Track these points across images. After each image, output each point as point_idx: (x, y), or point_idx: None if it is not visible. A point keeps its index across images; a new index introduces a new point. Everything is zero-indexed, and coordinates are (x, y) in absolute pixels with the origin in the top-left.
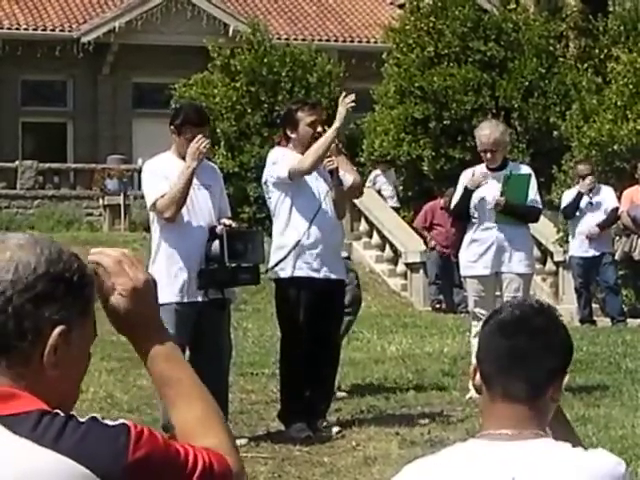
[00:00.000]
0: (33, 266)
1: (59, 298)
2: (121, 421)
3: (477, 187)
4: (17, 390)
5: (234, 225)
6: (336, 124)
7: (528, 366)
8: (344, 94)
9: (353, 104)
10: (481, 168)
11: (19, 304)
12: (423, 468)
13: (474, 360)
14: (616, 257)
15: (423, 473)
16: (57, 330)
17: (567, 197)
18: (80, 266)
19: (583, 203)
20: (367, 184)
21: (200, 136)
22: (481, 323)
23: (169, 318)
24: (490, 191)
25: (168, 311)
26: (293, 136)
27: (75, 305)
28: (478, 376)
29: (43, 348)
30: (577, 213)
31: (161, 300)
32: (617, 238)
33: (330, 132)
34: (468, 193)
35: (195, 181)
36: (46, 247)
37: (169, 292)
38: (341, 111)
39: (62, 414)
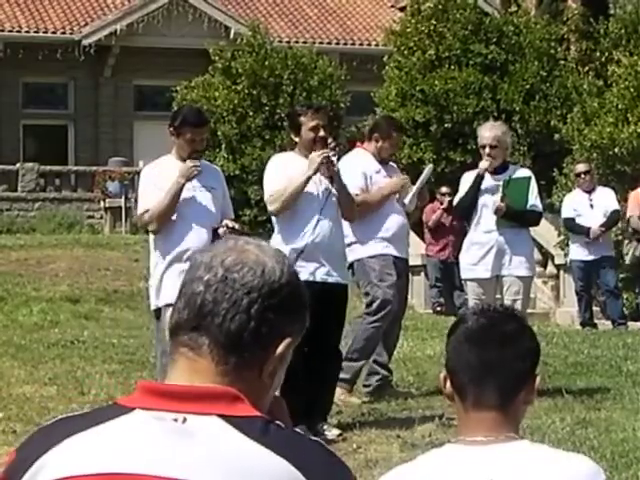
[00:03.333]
0: (278, 273)
1: (293, 310)
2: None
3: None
4: (241, 394)
5: (237, 227)
6: (308, 172)
7: (498, 375)
8: (316, 152)
9: (323, 160)
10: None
11: (262, 308)
12: (405, 474)
13: (443, 370)
14: (627, 261)
15: (405, 478)
16: (286, 342)
17: (568, 201)
18: (302, 283)
19: (582, 205)
20: None
21: (194, 161)
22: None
23: None
24: (491, 196)
25: None
26: (297, 140)
27: (300, 320)
28: (449, 384)
29: (268, 356)
30: (575, 218)
31: (166, 301)
32: (627, 242)
33: (303, 178)
34: (478, 180)
35: (198, 183)
36: (284, 256)
37: (173, 293)
38: (314, 160)
39: (279, 423)
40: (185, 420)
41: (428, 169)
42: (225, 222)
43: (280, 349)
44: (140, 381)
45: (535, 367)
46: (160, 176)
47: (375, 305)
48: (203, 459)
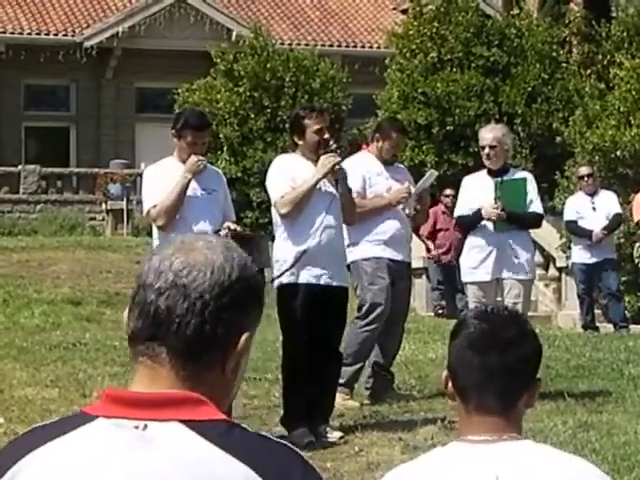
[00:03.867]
0: (228, 271)
1: (248, 304)
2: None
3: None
4: (203, 397)
5: (239, 229)
6: (318, 175)
7: (500, 380)
8: (326, 156)
9: (333, 165)
10: (482, 174)
11: (216, 309)
12: (405, 474)
13: (446, 369)
14: (638, 264)
15: (405, 478)
16: (245, 336)
17: (570, 204)
18: (257, 272)
19: (585, 208)
20: None
21: (198, 155)
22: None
23: None
24: (491, 199)
25: None
26: (300, 143)
27: (256, 311)
28: (450, 384)
29: (228, 354)
30: (578, 220)
31: None
32: (638, 245)
33: (312, 180)
34: (479, 218)
35: (198, 186)
36: (234, 251)
37: None
38: (325, 164)
39: (249, 428)
40: (146, 427)
41: (430, 175)
42: (227, 224)
43: (240, 345)
44: (106, 389)
45: (537, 370)
46: (163, 176)
47: (364, 308)
48: (164, 465)
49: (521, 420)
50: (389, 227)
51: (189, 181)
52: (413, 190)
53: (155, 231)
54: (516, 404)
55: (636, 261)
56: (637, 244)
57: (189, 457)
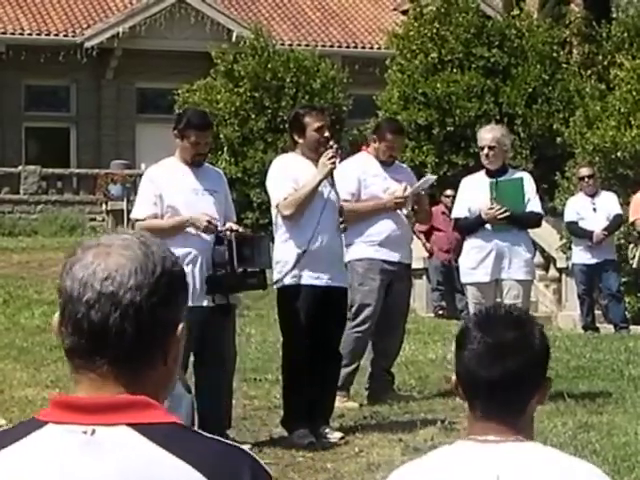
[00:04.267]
0: (151, 267)
1: (178, 295)
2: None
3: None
4: (152, 400)
5: (241, 230)
6: (319, 176)
7: (508, 390)
8: (327, 153)
9: (334, 165)
10: (480, 175)
11: (147, 310)
12: (410, 472)
13: (454, 375)
14: (634, 265)
15: (411, 476)
16: (180, 327)
17: (570, 205)
18: (175, 257)
19: (585, 209)
20: None
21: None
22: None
23: None
24: (488, 200)
25: None
26: (300, 141)
27: (185, 300)
28: (460, 389)
29: (168, 349)
30: (579, 221)
31: None
32: (632, 246)
33: (314, 181)
34: (482, 222)
35: (200, 187)
36: (152, 244)
37: None
38: (325, 163)
39: (196, 429)
40: (94, 432)
41: (427, 179)
42: (229, 225)
43: (178, 335)
44: (54, 394)
45: (546, 368)
46: (167, 178)
47: (353, 309)
48: (112, 470)
49: (532, 419)
50: (384, 228)
51: (320, 182)
52: (409, 191)
53: None
54: (525, 409)
55: (630, 262)
56: (631, 245)
57: (138, 461)
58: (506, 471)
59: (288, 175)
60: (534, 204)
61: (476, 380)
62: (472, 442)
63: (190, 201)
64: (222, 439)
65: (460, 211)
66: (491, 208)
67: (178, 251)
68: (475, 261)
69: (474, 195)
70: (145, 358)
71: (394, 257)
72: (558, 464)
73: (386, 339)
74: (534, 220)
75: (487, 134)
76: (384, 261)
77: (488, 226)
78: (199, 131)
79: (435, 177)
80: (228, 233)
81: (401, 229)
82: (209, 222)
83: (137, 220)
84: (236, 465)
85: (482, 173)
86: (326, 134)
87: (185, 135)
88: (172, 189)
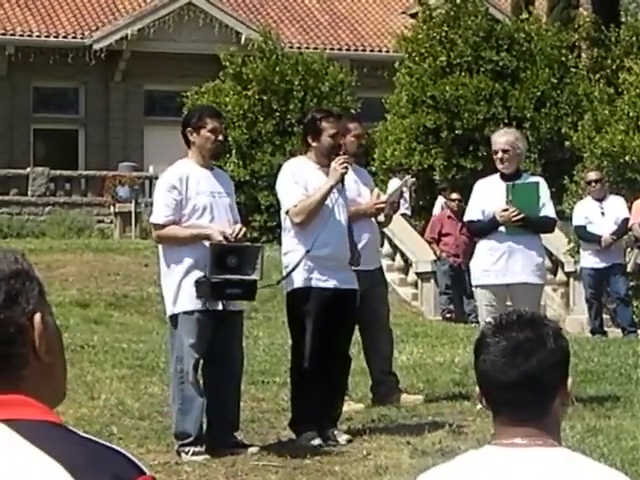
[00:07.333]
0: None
1: (25, 290)
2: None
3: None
4: (29, 398)
5: (243, 230)
6: (330, 182)
7: (530, 393)
8: (338, 159)
9: (345, 170)
10: (494, 178)
11: (4, 316)
12: (437, 477)
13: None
14: (628, 269)
15: None
16: (37, 318)
17: (579, 209)
18: (14, 250)
19: (593, 213)
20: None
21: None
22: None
23: (191, 327)
24: (502, 203)
25: (190, 320)
26: (314, 145)
27: (35, 289)
28: (484, 400)
29: (32, 342)
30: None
31: (184, 308)
32: (629, 250)
33: (325, 188)
34: (496, 225)
35: (216, 189)
36: None
37: (192, 300)
38: (336, 168)
39: (71, 428)
40: None
41: (405, 181)
42: (234, 227)
43: (37, 327)
44: None
45: (566, 369)
46: (185, 182)
47: None
48: None
49: (558, 422)
50: (361, 238)
51: (331, 188)
52: (385, 197)
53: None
54: (549, 408)
55: (627, 268)
56: (628, 249)
57: (9, 458)
58: (533, 475)
59: (299, 180)
60: (548, 209)
61: (495, 385)
62: (499, 447)
63: (211, 204)
64: (98, 440)
65: (474, 214)
66: (505, 210)
67: (192, 255)
68: (487, 264)
69: (488, 198)
70: (11, 360)
71: (370, 266)
72: (595, 474)
73: (379, 340)
74: (548, 225)
75: (501, 138)
76: (362, 271)
77: (502, 228)
78: (215, 117)
79: (414, 180)
80: (231, 234)
81: (374, 235)
82: (225, 237)
83: (156, 225)
84: (106, 465)
85: (496, 176)
86: (340, 142)
87: (202, 125)
88: (192, 193)
